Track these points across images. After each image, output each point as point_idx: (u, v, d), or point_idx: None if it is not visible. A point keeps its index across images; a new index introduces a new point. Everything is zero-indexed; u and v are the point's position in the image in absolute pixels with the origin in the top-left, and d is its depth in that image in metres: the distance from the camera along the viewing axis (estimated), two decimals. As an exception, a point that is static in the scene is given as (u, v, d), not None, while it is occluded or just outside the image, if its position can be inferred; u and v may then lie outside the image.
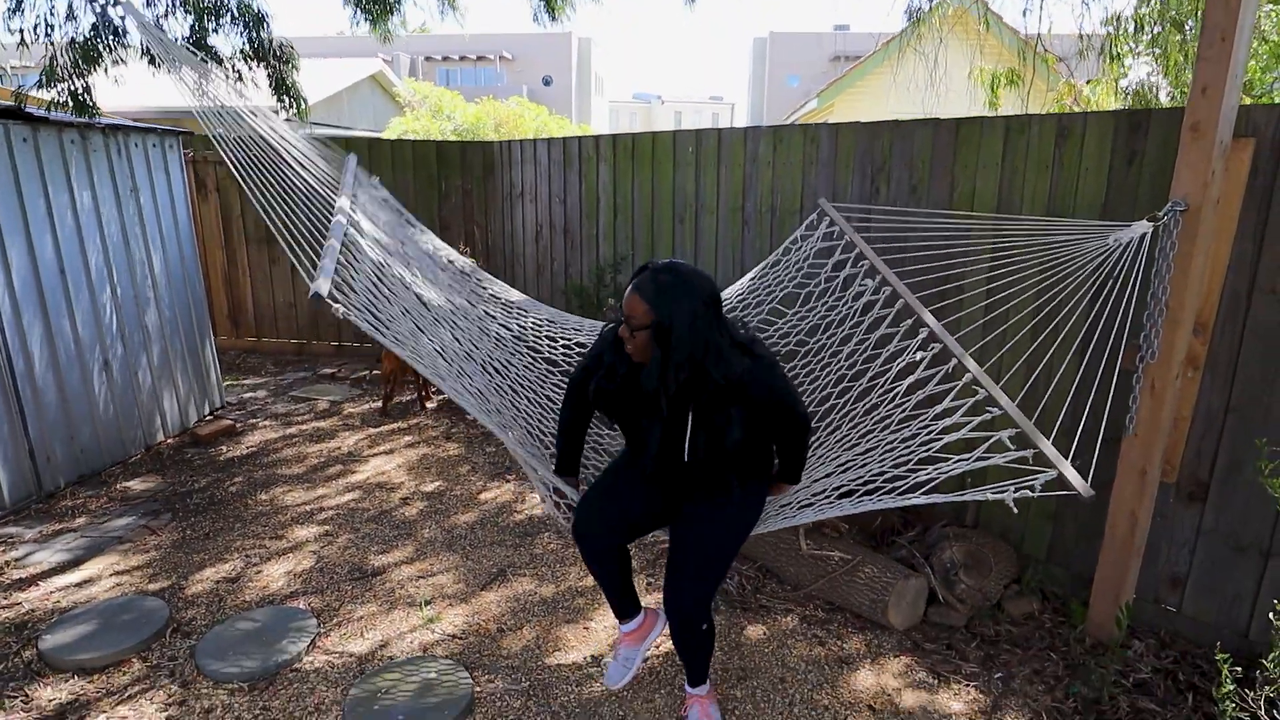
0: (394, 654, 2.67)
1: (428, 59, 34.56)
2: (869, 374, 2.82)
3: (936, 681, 2.59)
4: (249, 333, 6.82)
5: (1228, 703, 1.97)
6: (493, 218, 6.29)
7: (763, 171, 3.94)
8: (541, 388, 2.96)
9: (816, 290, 3.22)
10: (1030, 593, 3.02)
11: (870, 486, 2.39)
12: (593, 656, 2.69)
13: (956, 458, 2.28)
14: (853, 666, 2.67)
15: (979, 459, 2.24)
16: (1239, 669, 1.99)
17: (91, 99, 3.82)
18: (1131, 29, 4.70)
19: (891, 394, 2.71)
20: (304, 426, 4.95)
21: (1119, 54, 4.76)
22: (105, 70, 3.85)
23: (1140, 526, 2.69)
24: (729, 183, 4.13)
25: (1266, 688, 2.03)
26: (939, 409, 2.50)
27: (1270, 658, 1.98)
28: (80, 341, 3.99)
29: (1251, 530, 2.59)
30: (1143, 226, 2.51)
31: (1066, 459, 2.25)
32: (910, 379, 2.66)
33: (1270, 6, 5.82)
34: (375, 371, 6.17)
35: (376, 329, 2.05)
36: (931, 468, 2.29)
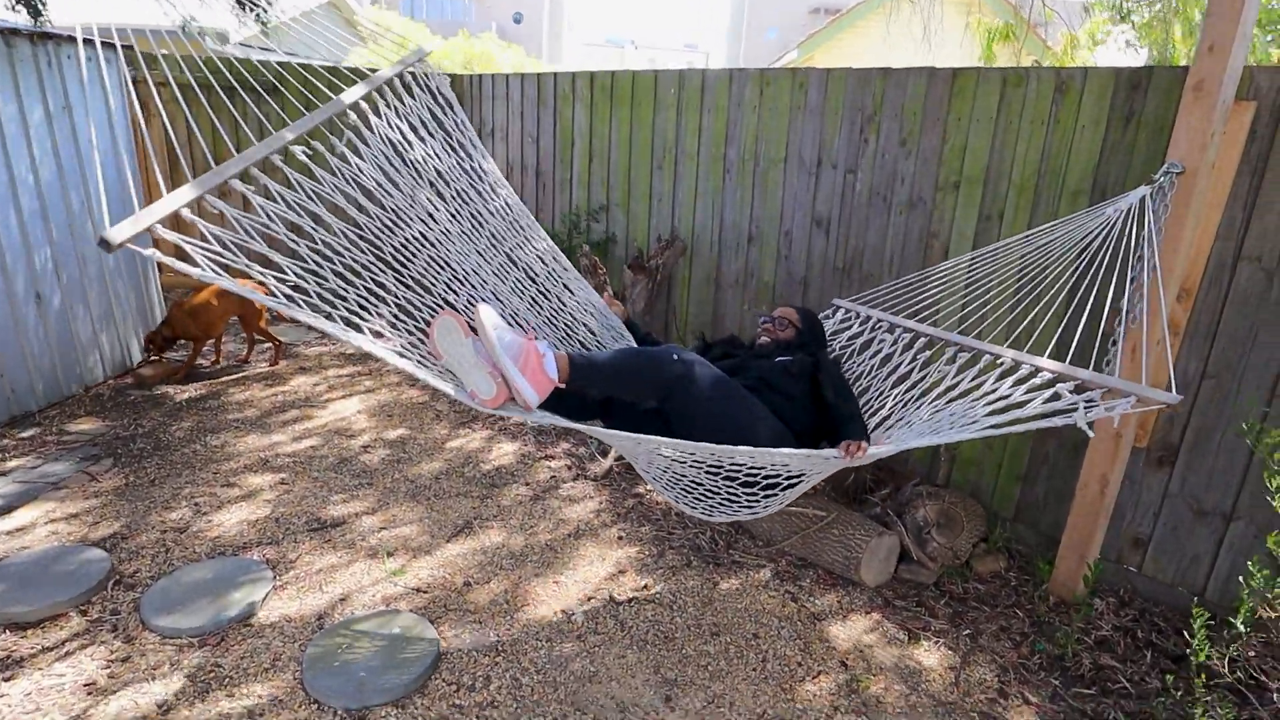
0: (356, 608, 2.57)
1: (388, -12, 32.75)
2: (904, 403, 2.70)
3: (907, 638, 2.60)
4: (196, 270, 6.46)
5: (1201, 651, 1.99)
6: (459, 157, 5.99)
7: (747, 117, 3.79)
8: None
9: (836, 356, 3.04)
10: (997, 551, 3.05)
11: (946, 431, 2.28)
12: (563, 611, 2.63)
13: (1028, 406, 2.22)
14: (825, 623, 2.66)
15: (1046, 415, 2.20)
16: (1208, 617, 2.02)
17: (44, 3, 3.44)
18: None
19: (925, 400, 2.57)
20: (258, 369, 4.72)
21: (1128, 12, 4.65)
22: None
23: (1110, 489, 2.71)
24: (711, 128, 3.96)
25: (1231, 645, 2.07)
26: (990, 395, 2.36)
27: (1238, 618, 2.01)
28: (8, 272, 3.68)
29: (1215, 495, 2.63)
30: (1141, 191, 2.45)
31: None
32: (942, 385, 2.56)
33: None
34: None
35: (236, 268, 1.83)
36: (998, 416, 2.21)
